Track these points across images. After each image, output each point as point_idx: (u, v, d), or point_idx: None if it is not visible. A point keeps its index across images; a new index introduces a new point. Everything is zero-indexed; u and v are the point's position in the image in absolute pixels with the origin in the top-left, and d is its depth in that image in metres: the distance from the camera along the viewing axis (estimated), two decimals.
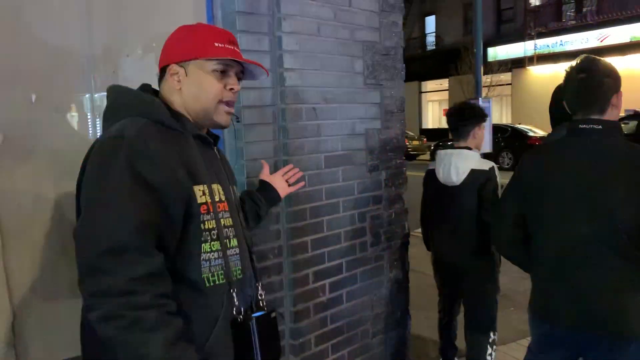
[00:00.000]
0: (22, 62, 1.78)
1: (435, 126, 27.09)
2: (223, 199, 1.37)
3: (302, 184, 2.18)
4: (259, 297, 1.47)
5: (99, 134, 1.93)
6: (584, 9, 19.65)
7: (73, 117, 1.93)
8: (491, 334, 2.96)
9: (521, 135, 15.98)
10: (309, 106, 2.49)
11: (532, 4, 21.05)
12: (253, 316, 1.37)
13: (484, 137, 3.06)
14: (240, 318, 1.35)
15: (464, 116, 2.97)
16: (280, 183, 2.06)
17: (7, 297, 1.74)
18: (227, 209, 1.38)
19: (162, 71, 1.46)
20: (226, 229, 1.36)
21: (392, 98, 2.91)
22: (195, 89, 1.39)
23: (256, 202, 1.92)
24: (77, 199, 1.34)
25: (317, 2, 2.48)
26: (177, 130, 1.32)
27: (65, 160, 1.88)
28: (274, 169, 2.38)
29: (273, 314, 1.44)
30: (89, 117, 1.93)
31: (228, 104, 1.44)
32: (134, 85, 1.49)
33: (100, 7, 1.96)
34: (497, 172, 2.87)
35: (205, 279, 1.30)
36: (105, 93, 1.41)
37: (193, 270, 1.29)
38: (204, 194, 1.30)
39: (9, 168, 1.74)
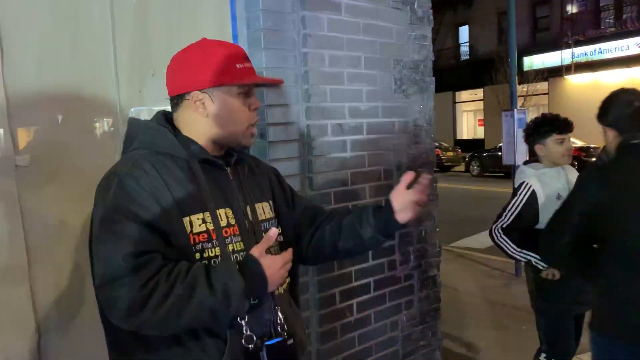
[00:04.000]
0: (48, 84, 1.80)
1: (470, 137, 26.64)
2: (232, 222, 1.34)
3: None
4: (278, 322, 1.38)
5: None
6: (624, 15, 19.07)
7: (98, 138, 1.94)
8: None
9: None
10: (335, 122, 2.45)
11: (569, 12, 20.55)
12: (265, 344, 1.31)
13: (556, 151, 2.70)
14: (251, 347, 1.29)
15: (526, 132, 2.83)
16: (402, 199, 1.45)
17: (32, 316, 1.76)
18: (237, 233, 1.34)
19: (177, 96, 1.38)
20: (236, 254, 1.32)
21: (421, 112, 2.84)
22: (225, 115, 1.35)
23: (361, 217, 1.52)
24: None
25: (344, 17, 2.45)
26: (181, 159, 1.32)
27: (91, 180, 1.89)
28: (300, 187, 2.35)
29: (290, 341, 1.37)
30: (114, 137, 1.94)
31: (254, 125, 1.42)
32: (160, 104, 1.48)
33: (125, 27, 1.98)
34: (524, 189, 2.67)
35: None
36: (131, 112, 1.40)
37: None
38: (203, 222, 1.28)
39: (35, 187, 1.76)
